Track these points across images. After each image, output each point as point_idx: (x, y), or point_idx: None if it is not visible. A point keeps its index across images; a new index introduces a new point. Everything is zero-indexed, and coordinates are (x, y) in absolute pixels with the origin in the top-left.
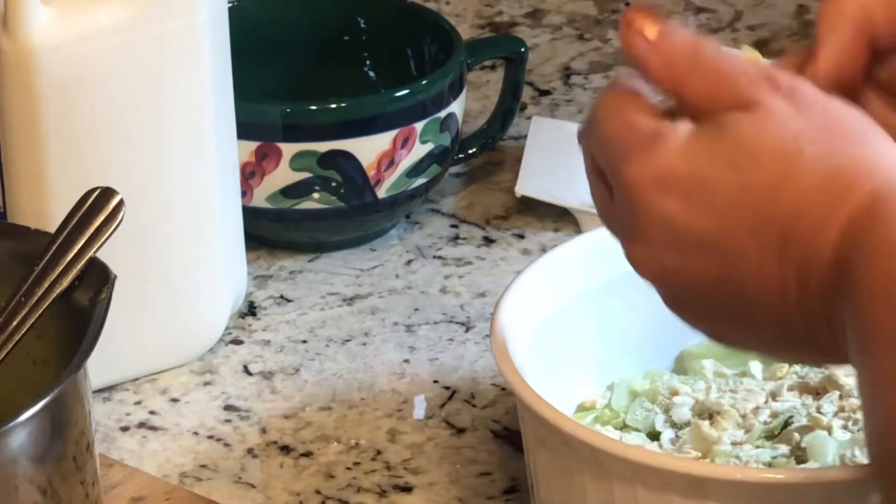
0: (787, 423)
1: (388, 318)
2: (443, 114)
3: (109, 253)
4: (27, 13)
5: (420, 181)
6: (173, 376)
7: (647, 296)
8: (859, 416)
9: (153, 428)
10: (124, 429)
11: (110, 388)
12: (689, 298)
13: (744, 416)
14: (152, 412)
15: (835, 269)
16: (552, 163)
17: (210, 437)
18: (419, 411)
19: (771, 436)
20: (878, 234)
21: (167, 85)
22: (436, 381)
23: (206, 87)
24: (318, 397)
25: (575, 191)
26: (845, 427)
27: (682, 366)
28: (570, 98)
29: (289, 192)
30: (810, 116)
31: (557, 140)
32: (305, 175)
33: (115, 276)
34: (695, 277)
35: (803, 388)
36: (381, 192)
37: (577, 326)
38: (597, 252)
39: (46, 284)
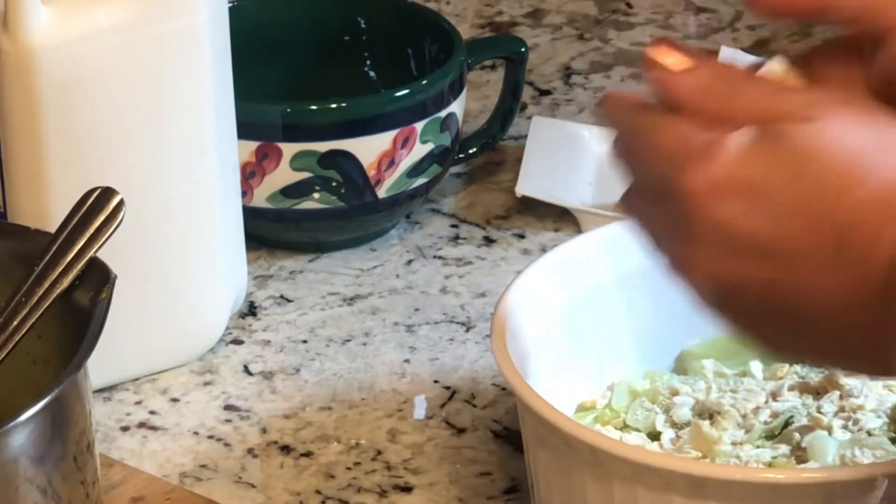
0: (787, 423)
1: (388, 318)
2: (443, 114)
3: (109, 253)
4: (27, 13)
5: (420, 181)
6: (173, 376)
7: (647, 296)
8: (859, 416)
9: (153, 428)
10: (124, 429)
11: (110, 388)
12: (739, 302)
13: (744, 416)
14: (152, 412)
15: (890, 279)
16: (552, 163)
17: (210, 437)
18: (419, 411)
19: (771, 436)
20: None
21: (167, 85)
22: (436, 381)
23: (206, 87)
24: (319, 397)
25: (575, 191)
26: (845, 427)
27: (682, 366)
28: (571, 98)
29: (289, 192)
30: (866, 129)
31: (558, 140)
32: (306, 175)
33: (116, 276)
34: (748, 282)
35: (803, 388)
36: (382, 192)
37: (578, 326)
38: (597, 252)
39: (47, 284)
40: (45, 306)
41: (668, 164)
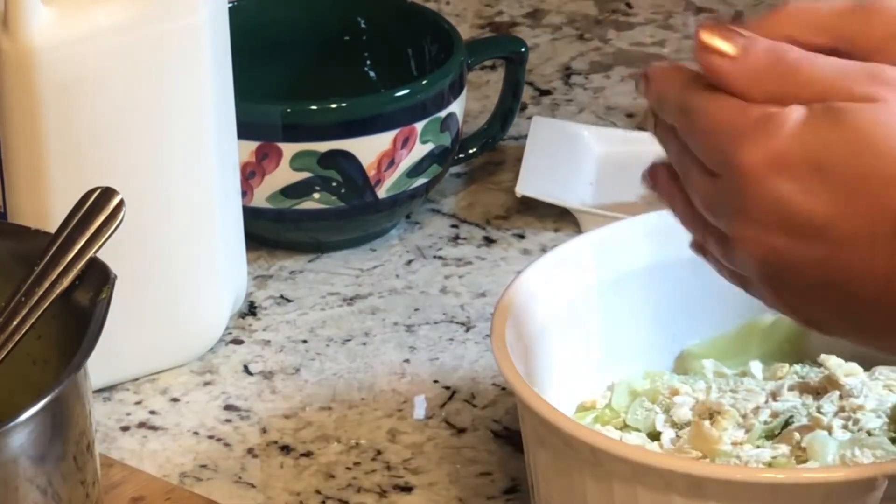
0: (787, 423)
1: (388, 318)
2: (443, 114)
3: (109, 253)
4: (27, 13)
5: (420, 181)
6: (173, 376)
7: (647, 296)
8: (859, 416)
9: (153, 428)
10: (124, 429)
11: (110, 388)
12: (789, 280)
13: (744, 416)
14: (152, 412)
15: None
16: (552, 163)
17: (210, 437)
18: (419, 411)
19: (771, 436)
20: None
21: (167, 85)
22: (436, 381)
23: (206, 87)
24: (319, 397)
25: (575, 191)
26: (845, 427)
27: (682, 366)
28: (571, 98)
29: (289, 192)
30: None
31: (558, 140)
32: (306, 175)
33: (116, 276)
34: (800, 260)
35: (803, 388)
36: (382, 192)
37: (577, 326)
38: (597, 252)
39: (46, 284)
40: (45, 306)
41: (724, 137)
